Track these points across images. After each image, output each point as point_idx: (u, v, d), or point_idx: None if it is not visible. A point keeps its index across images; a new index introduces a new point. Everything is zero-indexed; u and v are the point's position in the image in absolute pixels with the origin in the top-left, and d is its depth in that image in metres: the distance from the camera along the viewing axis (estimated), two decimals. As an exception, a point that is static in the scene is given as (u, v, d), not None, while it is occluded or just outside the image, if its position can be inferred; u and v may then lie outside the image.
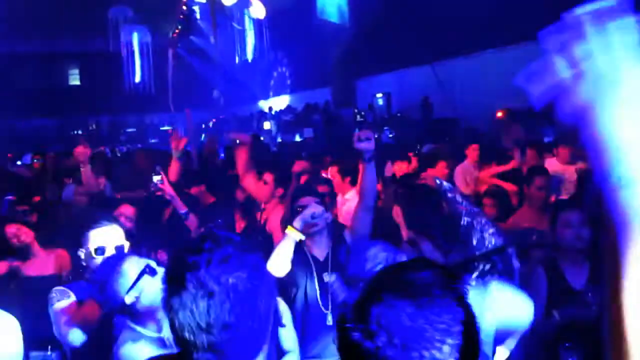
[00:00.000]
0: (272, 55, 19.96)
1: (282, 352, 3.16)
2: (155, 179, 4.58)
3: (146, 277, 2.50)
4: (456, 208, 3.76)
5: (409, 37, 13.36)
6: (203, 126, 20.72)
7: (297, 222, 3.40)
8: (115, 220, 3.39)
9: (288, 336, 3.20)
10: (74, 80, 28.14)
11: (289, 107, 20.66)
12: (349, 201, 4.18)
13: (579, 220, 3.31)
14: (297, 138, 16.82)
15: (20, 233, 4.12)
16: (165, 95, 21.84)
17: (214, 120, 21.13)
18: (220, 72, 19.02)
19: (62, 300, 2.98)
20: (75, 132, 23.43)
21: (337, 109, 17.75)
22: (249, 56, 18.23)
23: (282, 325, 3.16)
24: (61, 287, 3.08)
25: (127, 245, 3.17)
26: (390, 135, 13.83)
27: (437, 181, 4.16)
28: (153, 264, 2.58)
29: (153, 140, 22.16)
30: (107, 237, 3.08)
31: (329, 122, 16.53)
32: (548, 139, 8.66)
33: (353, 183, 4.93)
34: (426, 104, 14.57)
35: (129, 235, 3.34)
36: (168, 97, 23.17)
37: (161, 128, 23.00)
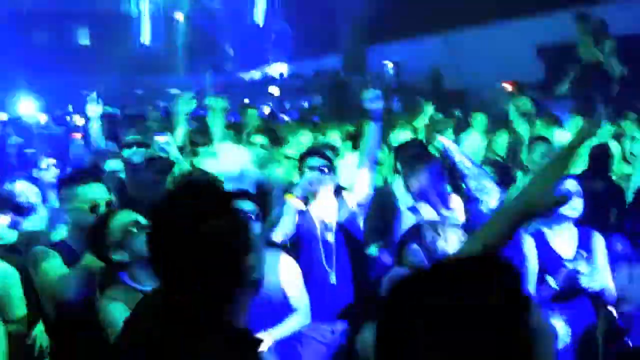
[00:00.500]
0: (282, 19, 19.87)
1: (290, 310, 3.26)
2: (162, 139, 4.49)
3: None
4: (460, 170, 3.89)
5: (421, 6, 13.28)
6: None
7: (297, 190, 3.53)
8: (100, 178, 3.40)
9: (297, 295, 3.31)
10: (84, 39, 28.19)
11: (297, 73, 20.62)
12: (349, 164, 4.30)
13: (575, 190, 3.36)
14: (305, 104, 16.82)
15: (28, 192, 4.15)
16: (174, 57, 21.92)
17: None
18: (229, 35, 18.96)
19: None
20: (85, 91, 23.49)
21: (347, 76, 17.71)
22: (259, 20, 18.15)
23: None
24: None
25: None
26: (399, 104, 13.82)
27: (442, 145, 4.27)
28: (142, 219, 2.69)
29: (162, 103, 22.18)
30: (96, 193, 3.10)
31: (338, 88, 16.51)
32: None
33: (355, 148, 5.04)
34: (436, 74, 14.53)
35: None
36: (177, 60, 23.26)
37: (170, 90, 23.02)
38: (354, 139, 5.34)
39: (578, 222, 3.45)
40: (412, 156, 3.97)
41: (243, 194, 3.09)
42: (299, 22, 19.27)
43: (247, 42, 20.52)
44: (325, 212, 3.70)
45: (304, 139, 5.64)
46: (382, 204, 3.96)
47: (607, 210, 4.69)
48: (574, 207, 3.33)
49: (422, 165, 3.82)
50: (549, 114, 7.20)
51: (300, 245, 3.66)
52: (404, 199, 3.93)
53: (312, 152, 4.07)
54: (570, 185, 3.32)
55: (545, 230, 3.42)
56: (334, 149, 4.96)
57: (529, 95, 8.85)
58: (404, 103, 13.53)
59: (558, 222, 3.38)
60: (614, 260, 3.48)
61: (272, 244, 3.36)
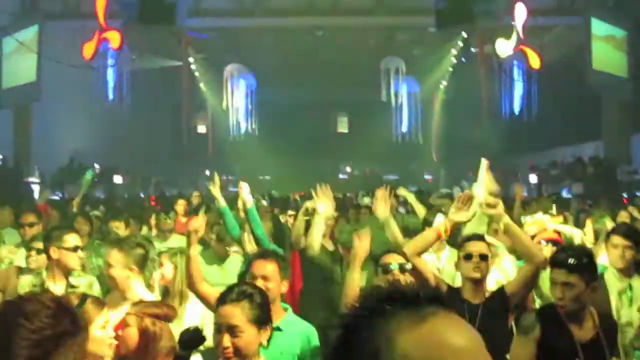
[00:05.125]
0: (540, 106, 20.19)
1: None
2: None
3: None
4: None
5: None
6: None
7: None
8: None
9: None
10: (343, 127, 31.27)
11: (554, 161, 20.62)
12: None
13: None
14: (564, 194, 16.77)
15: None
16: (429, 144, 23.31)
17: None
18: (486, 124, 19.73)
19: None
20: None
21: (610, 164, 17.35)
22: (516, 108, 18.69)
23: None
24: None
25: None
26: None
27: None
28: None
29: (413, 188, 23.54)
30: None
31: (600, 176, 16.26)
32: None
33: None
34: None
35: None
36: (432, 147, 24.64)
37: (425, 177, 24.33)
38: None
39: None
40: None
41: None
42: (555, 109, 19.41)
43: (503, 130, 21.05)
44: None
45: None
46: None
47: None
48: None
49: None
50: None
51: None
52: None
53: None
54: None
55: None
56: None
57: None
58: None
59: None
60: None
61: None
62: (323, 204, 5.26)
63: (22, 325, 1.74)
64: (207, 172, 23.87)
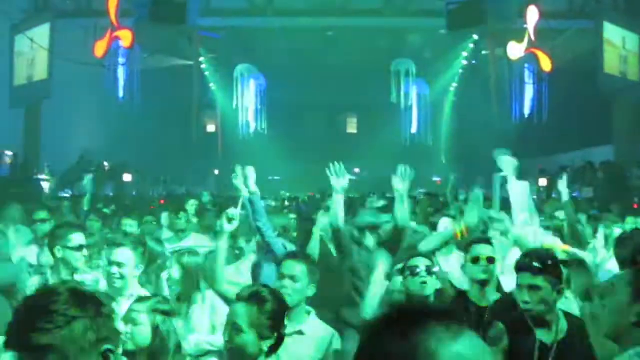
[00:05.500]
0: (550, 110, 20.14)
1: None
2: None
3: None
4: None
5: None
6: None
7: None
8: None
9: None
10: (352, 128, 31.29)
11: (565, 165, 20.53)
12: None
13: None
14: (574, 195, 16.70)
15: None
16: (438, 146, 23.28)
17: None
18: (496, 126, 19.69)
19: None
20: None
21: (621, 169, 17.27)
22: (527, 111, 18.64)
23: None
24: None
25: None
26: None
27: None
28: None
29: (421, 190, 23.50)
30: None
31: (611, 181, 16.17)
32: None
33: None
34: None
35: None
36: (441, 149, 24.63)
37: (433, 178, 24.29)
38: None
39: None
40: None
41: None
42: (566, 113, 19.37)
43: (513, 134, 20.99)
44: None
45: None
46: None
47: None
48: None
49: None
50: None
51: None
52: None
53: None
54: None
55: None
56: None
57: None
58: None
59: None
60: None
61: None
62: (339, 182, 5.29)
63: (40, 316, 1.77)
64: (216, 172, 23.96)
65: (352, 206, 12.02)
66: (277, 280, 3.76)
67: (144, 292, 4.07)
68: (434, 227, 6.35)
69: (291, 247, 5.21)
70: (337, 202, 5.25)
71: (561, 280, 3.47)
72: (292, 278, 3.67)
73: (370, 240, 5.27)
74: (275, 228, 5.43)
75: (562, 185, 6.38)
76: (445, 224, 6.10)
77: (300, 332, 3.54)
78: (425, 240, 5.05)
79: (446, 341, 1.14)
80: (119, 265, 4.07)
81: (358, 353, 1.21)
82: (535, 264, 3.39)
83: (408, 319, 1.18)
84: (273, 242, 5.10)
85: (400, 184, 5.35)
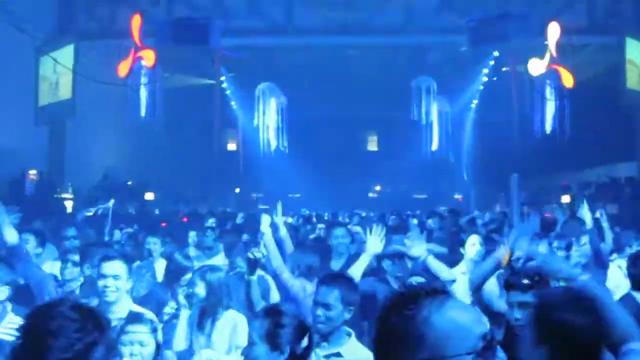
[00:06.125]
0: (573, 126, 20.03)
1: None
2: None
3: None
4: None
5: None
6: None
7: None
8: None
9: None
10: (372, 146, 31.30)
11: (587, 181, 20.34)
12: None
13: None
14: (597, 214, 16.50)
15: None
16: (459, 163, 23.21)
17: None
18: (517, 143, 19.60)
19: None
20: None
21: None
22: (548, 127, 18.54)
23: None
24: None
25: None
26: None
27: None
28: None
29: (442, 208, 23.38)
30: None
31: (636, 198, 15.99)
32: None
33: None
34: None
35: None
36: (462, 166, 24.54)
37: (455, 195, 24.21)
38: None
39: None
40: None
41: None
42: (588, 129, 19.24)
43: (535, 151, 20.88)
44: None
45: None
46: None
47: None
48: None
49: None
50: None
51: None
52: None
53: None
54: None
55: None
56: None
57: None
58: None
59: None
60: None
61: None
62: (374, 245, 5.15)
63: (52, 346, 1.76)
64: (237, 190, 24.06)
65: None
66: (312, 306, 3.65)
67: (137, 308, 4.13)
68: (462, 243, 6.30)
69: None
70: (363, 261, 5.09)
71: None
72: (325, 307, 3.52)
73: None
74: (298, 266, 5.17)
75: (585, 211, 6.34)
76: (473, 241, 6.05)
77: (337, 355, 3.45)
78: (478, 268, 4.82)
79: (435, 308, 1.51)
80: (114, 277, 4.11)
81: (374, 333, 1.59)
82: (525, 281, 3.43)
83: (405, 299, 1.56)
84: (290, 285, 4.95)
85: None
